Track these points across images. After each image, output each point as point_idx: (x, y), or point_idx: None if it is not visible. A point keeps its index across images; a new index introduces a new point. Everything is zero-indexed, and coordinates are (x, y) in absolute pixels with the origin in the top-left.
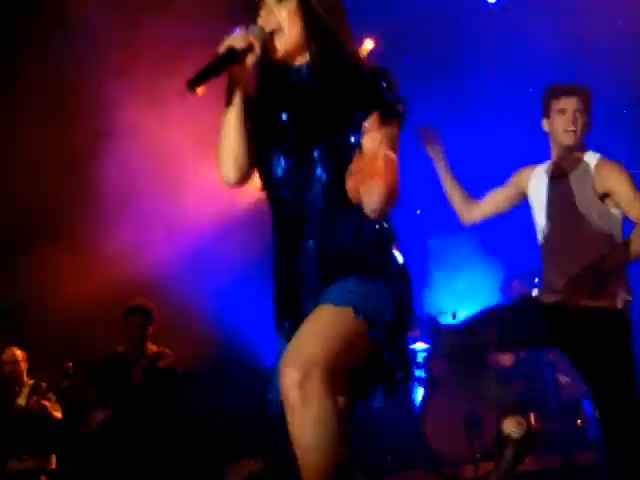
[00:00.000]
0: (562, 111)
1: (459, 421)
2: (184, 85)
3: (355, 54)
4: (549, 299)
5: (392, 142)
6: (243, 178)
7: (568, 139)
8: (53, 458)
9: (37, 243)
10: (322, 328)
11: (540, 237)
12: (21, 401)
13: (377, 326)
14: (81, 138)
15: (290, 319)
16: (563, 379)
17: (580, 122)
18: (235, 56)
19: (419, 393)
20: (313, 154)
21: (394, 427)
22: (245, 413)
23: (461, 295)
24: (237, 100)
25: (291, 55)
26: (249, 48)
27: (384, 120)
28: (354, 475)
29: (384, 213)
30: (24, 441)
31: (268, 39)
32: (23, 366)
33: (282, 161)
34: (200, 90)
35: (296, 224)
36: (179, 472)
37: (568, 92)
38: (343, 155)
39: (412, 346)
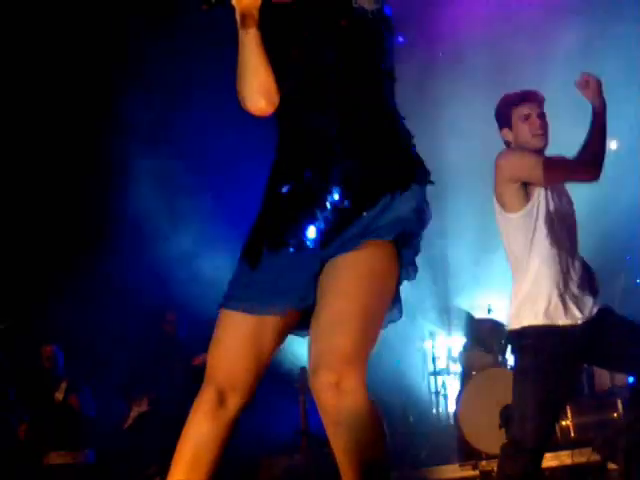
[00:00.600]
0: (527, 116)
1: (494, 414)
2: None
3: None
4: (582, 317)
5: None
6: (274, 102)
7: (539, 142)
8: (89, 453)
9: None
10: (359, 299)
11: (549, 252)
12: (59, 396)
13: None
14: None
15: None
16: (597, 369)
17: (545, 124)
18: None
19: (455, 387)
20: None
21: (429, 421)
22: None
23: (496, 288)
24: (250, 22)
25: None
26: None
27: None
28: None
29: None
30: (62, 435)
31: None
32: (60, 362)
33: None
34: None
35: (315, 136)
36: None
37: (528, 97)
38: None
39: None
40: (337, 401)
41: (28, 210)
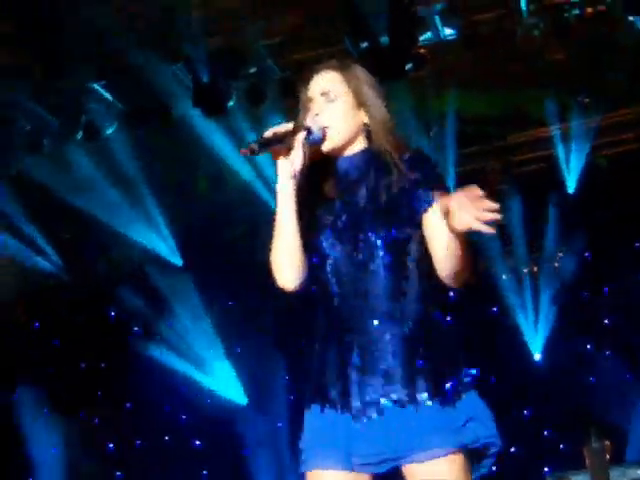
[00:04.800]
0: None
1: None
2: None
3: (401, 139)
4: None
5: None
6: (302, 282)
7: None
8: None
9: None
10: None
11: None
12: None
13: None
14: None
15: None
16: None
17: None
18: (279, 138)
19: None
20: (371, 242)
21: None
22: None
23: None
24: (290, 203)
25: (340, 149)
26: (291, 133)
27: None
28: None
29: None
30: None
31: (320, 133)
32: None
33: (338, 253)
34: (253, 149)
35: (356, 318)
36: None
37: None
38: (401, 241)
39: None
40: None
41: None
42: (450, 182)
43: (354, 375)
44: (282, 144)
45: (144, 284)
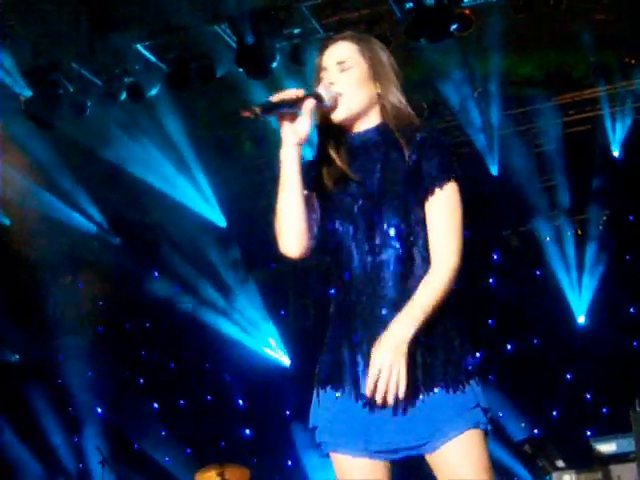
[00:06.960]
0: None
1: None
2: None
3: (413, 117)
4: None
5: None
6: (306, 251)
7: None
8: None
9: None
10: (478, 463)
11: None
12: None
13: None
14: None
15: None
16: None
17: None
18: (287, 103)
19: None
20: (384, 231)
21: None
22: None
23: None
24: (293, 169)
25: (353, 120)
26: (299, 100)
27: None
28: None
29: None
30: None
31: (332, 101)
32: None
33: (352, 239)
34: (256, 112)
35: (364, 305)
36: None
37: None
38: (411, 231)
39: None
40: None
41: None
42: (495, 144)
43: (363, 363)
44: (289, 110)
45: (188, 244)
